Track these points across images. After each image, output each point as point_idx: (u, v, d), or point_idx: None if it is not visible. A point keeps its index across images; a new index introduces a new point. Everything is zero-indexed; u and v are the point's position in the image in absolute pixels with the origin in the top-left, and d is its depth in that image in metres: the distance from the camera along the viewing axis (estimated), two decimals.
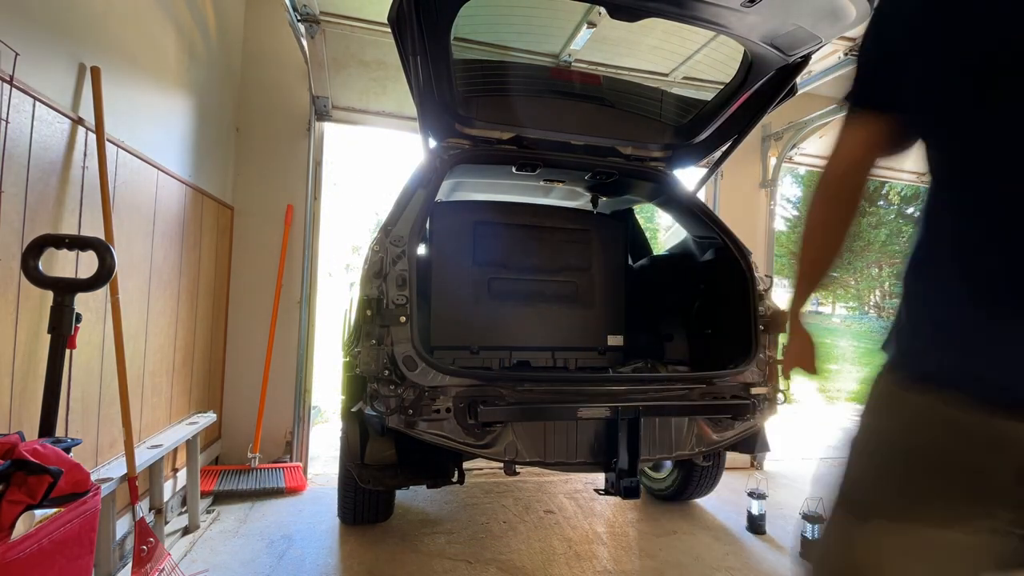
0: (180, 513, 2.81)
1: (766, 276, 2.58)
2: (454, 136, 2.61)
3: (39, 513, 1.25)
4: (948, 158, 0.78)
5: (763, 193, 4.74)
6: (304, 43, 3.26)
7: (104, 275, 1.73)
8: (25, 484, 1.22)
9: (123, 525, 2.18)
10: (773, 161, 4.70)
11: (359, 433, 2.37)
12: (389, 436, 2.38)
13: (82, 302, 1.79)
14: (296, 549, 2.56)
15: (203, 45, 3.02)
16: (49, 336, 1.64)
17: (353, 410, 2.27)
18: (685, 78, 3.06)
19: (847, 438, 0.88)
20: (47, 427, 1.61)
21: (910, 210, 21.11)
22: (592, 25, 2.90)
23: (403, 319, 1.99)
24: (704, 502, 3.36)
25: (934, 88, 0.78)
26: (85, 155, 1.96)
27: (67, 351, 1.67)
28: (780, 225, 23.50)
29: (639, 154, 2.85)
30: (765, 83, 2.33)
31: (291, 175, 3.66)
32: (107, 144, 2.00)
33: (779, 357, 2.50)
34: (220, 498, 3.09)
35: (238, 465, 3.39)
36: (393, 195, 2.43)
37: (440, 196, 3.35)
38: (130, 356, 2.19)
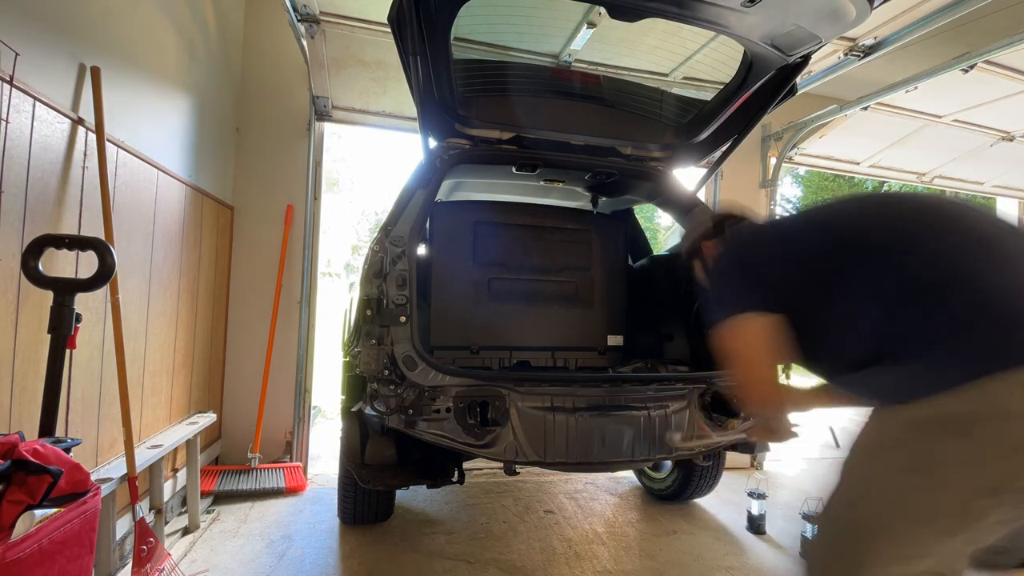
0: (180, 513, 2.81)
1: None
2: (454, 136, 2.61)
3: (39, 513, 1.25)
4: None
5: (763, 193, 4.74)
6: (304, 43, 3.26)
7: (104, 275, 1.73)
8: (25, 484, 1.22)
9: (123, 525, 2.18)
10: (773, 161, 4.70)
11: (359, 433, 2.37)
12: (389, 436, 2.38)
13: (82, 302, 1.79)
14: (296, 549, 2.56)
15: (203, 45, 3.02)
16: (49, 336, 1.64)
17: (353, 410, 2.27)
18: (685, 78, 3.05)
19: None
20: (47, 427, 1.61)
21: None
22: (592, 25, 2.89)
23: (403, 319, 1.99)
24: (704, 502, 3.36)
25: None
26: (85, 155, 1.96)
27: (67, 351, 1.67)
28: None
29: (639, 154, 2.84)
30: (765, 83, 2.33)
31: (291, 175, 3.66)
32: (107, 144, 2.00)
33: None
34: (220, 498, 3.09)
35: (238, 465, 3.39)
36: (393, 195, 2.43)
37: (440, 196, 3.35)
38: (130, 356, 2.19)
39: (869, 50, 3.26)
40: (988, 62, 3.31)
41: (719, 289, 1.41)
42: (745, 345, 1.30)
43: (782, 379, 1.36)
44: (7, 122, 1.56)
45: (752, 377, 1.33)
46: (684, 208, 2.86)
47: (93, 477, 1.58)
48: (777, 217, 1.37)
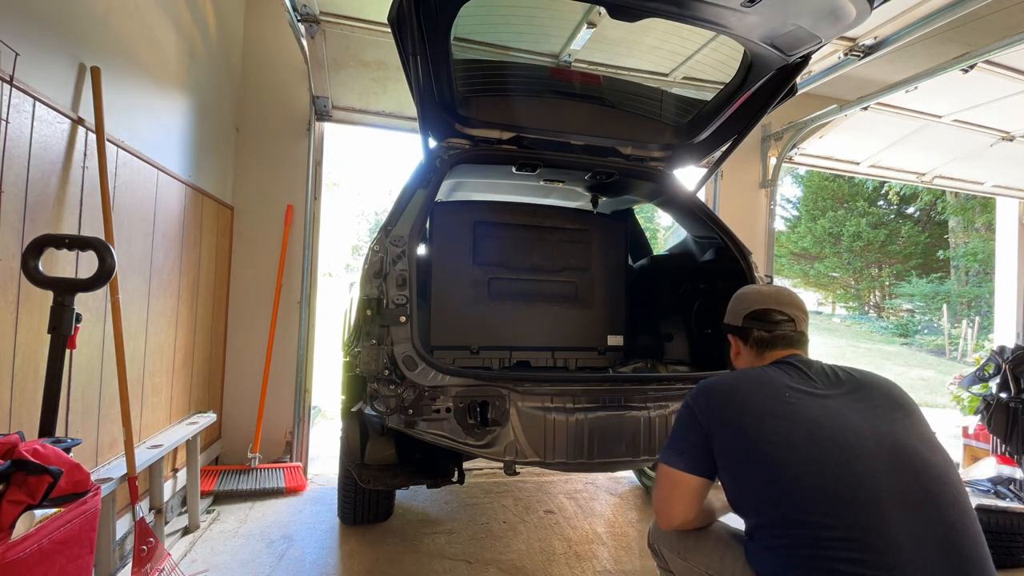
0: (180, 513, 2.81)
1: (766, 276, 2.58)
2: (454, 136, 2.61)
3: (39, 513, 1.25)
4: None
5: (763, 193, 4.74)
6: (304, 43, 3.27)
7: (104, 275, 1.73)
8: (25, 484, 1.22)
9: (123, 525, 2.18)
10: (773, 161, 4.70)
11: (359, 433, 2.37)
12: (389, 436, 2.38)
13: (82, 302, 1.79)
14: (296, 549, 2.56)
15: (203, 45, 3.02)
16: (49, 336, 1.64)
17: (353, 410, 2.27)
18: (685, 78, 3.05)
19: None
20: (47, 427, 1.61)
21: (910, 210, 21.12)
22: (592, 25, 2.89)
23: (403, 319, 1.99)
24: None
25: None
26: (85, 155, 1.96)
27: (67, 351, 1.66)
28: (780, 225, 23.49)
29: (639, 154, 2.84)
30: (765, 83, 2.33)
31: (291, 175, 3.66)
32: (107, 144, 2.00)
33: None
34: (220, 498, 3.09)
35: (238, 465, 3.39)
36: (393, 195, 2.43)
37: (440, 196, 3.35)
38: (130, 356, 2.19)
39: (869, 50, 3.26)
40: (988, 62, 3.32)
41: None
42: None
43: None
44: (7, 122, 1.56)
45: (668, 507, 1.41)
46: (684, 208, 2.86)
47: (93, 477, 1.58)
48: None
